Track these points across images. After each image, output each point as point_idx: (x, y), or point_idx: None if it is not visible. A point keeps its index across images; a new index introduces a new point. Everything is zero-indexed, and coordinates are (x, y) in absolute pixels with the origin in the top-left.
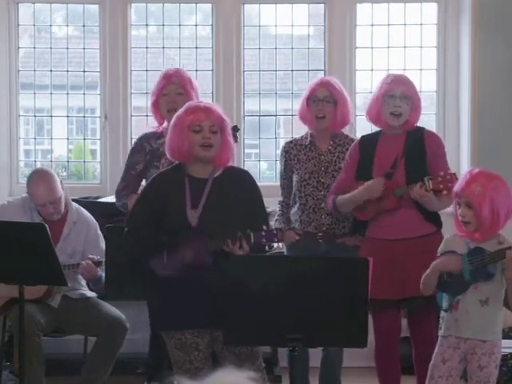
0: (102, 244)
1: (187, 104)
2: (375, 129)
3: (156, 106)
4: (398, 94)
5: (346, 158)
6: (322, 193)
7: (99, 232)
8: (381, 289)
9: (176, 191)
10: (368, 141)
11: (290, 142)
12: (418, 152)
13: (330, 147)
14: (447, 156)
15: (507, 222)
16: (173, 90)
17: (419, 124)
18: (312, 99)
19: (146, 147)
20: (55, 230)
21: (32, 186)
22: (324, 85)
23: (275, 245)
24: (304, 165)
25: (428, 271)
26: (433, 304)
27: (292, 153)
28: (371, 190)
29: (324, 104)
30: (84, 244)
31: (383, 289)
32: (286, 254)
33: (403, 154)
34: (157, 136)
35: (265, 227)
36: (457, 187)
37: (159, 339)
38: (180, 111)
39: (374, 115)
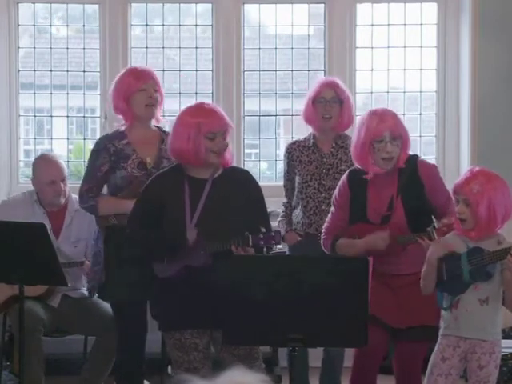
0: None
1: (198, 106)
2: None
3: (128, 104)
4: (387, 138)
5: (336, 196)
6: (323, 195)
7: None
8: (381, 309)
9: (175, 192)
10: (357, 178)
11: (293, 143)
12: (414, 188)
13: (332, 149)
14: (447, 157)
15: (505, 222)
16: (151, 85)
17: (419, 125)
18: (318, 100)
19: (110, 148)
20: (57, 219)
21: (41, 167)
22: (330, 85)
23: (278, 245)
24: (306, 166)
25: (425, 265)
26: (428, 334)
27: (295, 154)
28: (375, 246)
29: (331, 105)
30: (88, 231)
31: (384, 311)
32: (287, 254)
33: (399, 192)
34: (120, 137)
35: (263, 229)
36: (456, 184)
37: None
38: (189, 113)
39: (363, 161)
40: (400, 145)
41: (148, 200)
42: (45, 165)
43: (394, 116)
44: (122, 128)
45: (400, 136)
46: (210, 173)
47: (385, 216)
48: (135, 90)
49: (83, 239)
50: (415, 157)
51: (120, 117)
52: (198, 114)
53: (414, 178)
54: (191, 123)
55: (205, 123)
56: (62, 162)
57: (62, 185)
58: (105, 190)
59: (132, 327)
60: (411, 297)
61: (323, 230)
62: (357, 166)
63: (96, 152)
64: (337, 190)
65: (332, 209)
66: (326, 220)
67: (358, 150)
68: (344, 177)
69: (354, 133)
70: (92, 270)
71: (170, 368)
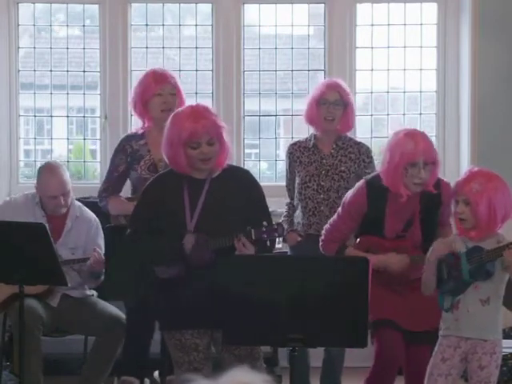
0: (102, 241)
1: (179, 114)
2: (376, 129)
3: (146, 107)
4: (421, 164)
5: (349, 202)
6: (322, 196)
7: (100, 229)
8: (395, 313)
9: (174, 192)
10: (376, 191)
11: (295, 143)
12: (434, 209)
13: (332, 151)
14: (447, 157)
15: (505, 222)
16: (168, 90)
17: (419, 125)
18: (322, 102)
19: (128, 149)
20: (58, 224)
21: (44, 180)
22: (334, 88)
23: (278, 244)
24: (306, 167)
25: (425, 266)
26: (432, 338)
27: (295, 155)
28: (392, 266)
29: (334, 107)
30: (85, 240)
31: (398, 315)
32: (288, 254)
33: (420, 212)
34: (138, 137)
35: (265, 223)
36: (456, 184)
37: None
38: (172, 123)
39: (395, 184)
40: (431, 169)
41: (148, 201)
42: (47, 179)
43: (427, 139)
44: (141, 129)
45: (433, 162)
46: (207, 173)
47: (401, 233)
48: (152, 95)
49: (81, 246)
50: (438, 179)
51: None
52: (182, 120)
53: (436, 199)
54: (174, 130)
55: (186, 131)
56: (65, 175)
57: (62, 199)
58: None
59: (139, 327)
60: (423, 300)
61: (324, 232)
62: (385, 183)
63: (115, 152)
64: (352, 198)
65: (340, 211)
66: (330, 222)
67: (391, 172)
68: (362, 188)
69: (384, 153)
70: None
71: (156, 373)
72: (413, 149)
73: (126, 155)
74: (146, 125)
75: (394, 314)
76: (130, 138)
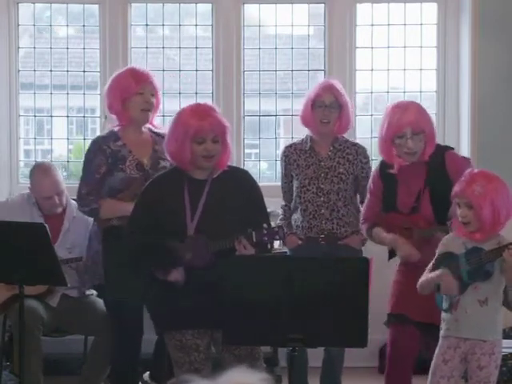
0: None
1: (185, 111)
2: (376, 129)
3: (124, 105)
4: (408, 134)
5: (370, 185)
6: (322, 199)
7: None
8: (410, 307)
9: (175, 193)
10: (388, 168)
11: (290, 146)
12: (442, 181)
13: (329, 153)
14: None
15: (507, 221)
16: (149, 90)
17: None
18: (317, 104)
19: (106, 149)
20: (55, 225)
21: (37, 181)
22: (329, 90)
23: (276, 245)
24: (304, 171)
25: (432, 276)
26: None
27: (292, 157)
28: (404, 255)
29: (330, 110)
30: (83, 239)
31: (413, 308)
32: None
33: (426, 185)
34: (114, 138)
35: (265, 225)
36: (457, 188)
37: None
38: (182, 114)
39: (387, 155)
40: (424, 139)
41: (147, 202)
42: (39, 180)
43: (417, 110)
44: (116, 129)
45: (423, 131)
46: (208, 173)
47: (413, 207)
48: (133, 93)
49: (78, 245)
50: (445, 149)
51: (113, 116)
52: (189, 116)
53: (441, 171)
54: (180, 125)
55: (193, 127)
56: (57, 174)
57: (56, 198)
58: None
59: (128, 329)
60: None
61: (361, 215)
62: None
63: (92, 154)
64: (370, 180)
65: (368, 196)
66: (363, 207)
67: (382, 145)
68: (377, 168)
69: (379, 126)
70: (90, 268)
71: (147, 374)
72: (398, 120)
73: (106, 156)
74: (122, 124)
75: (408, 308)
76: (106, 139)
